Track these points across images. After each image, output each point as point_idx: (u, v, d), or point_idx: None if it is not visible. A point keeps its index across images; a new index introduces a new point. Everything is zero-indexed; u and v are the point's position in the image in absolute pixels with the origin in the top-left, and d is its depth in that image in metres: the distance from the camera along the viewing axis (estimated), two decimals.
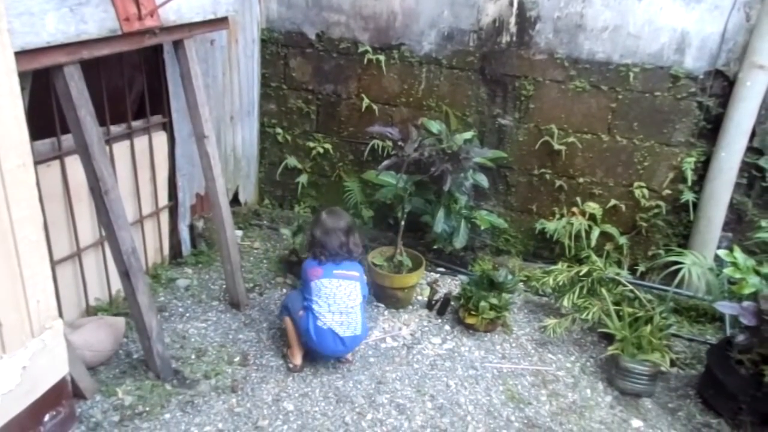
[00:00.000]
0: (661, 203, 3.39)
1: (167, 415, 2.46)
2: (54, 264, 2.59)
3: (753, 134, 3.11)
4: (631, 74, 3.23)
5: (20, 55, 1.86)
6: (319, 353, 2.77)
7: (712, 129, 3.20)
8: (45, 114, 2.45)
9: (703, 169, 3.26)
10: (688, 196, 3.29)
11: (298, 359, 2.81)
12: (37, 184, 1.92)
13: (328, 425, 2.50)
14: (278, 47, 3.82)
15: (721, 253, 2.82)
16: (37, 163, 2.27)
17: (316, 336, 2.68)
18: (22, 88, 1.84)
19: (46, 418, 2.16)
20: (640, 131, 3.33)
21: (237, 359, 2.82)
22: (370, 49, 3.62)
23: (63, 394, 2.21)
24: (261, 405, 2.57)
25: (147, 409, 2.47)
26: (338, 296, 2.69)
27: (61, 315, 2.23)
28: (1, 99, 1.71)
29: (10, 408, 1.96)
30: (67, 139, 2.51)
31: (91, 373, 2.57)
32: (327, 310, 2.68)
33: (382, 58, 3.62)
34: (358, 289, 2.76)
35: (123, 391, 2.54)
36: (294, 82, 3.88)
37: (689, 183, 3.29)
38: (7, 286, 1.86)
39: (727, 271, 2.73)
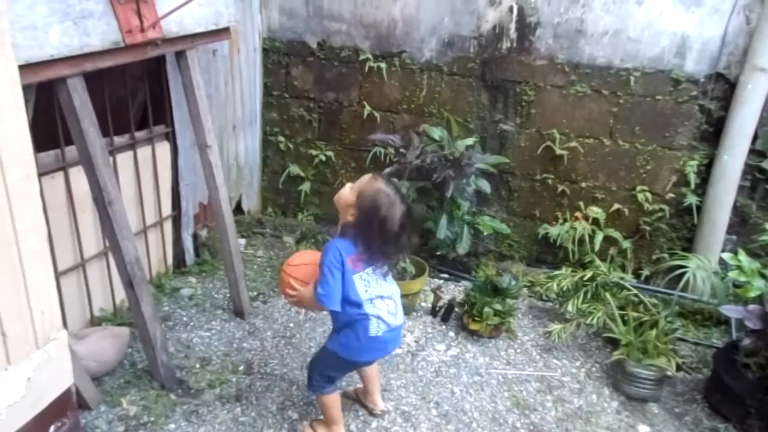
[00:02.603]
0: (665, 207, 3.38)
1: (172, 425, 2.45)
2: (58, 275, 2.60)
3: (755, 137, 3.10)
4: (632, 78, 3.24)
5: (24, 68, 1.88)
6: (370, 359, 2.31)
7: (714, 132, 3.20)
8: (49, 126, 2.47)
9: (707, 172, 3.26)
10: (692, 200, 3.28)
11: None
12: (42, 195, 1.93)
13: None
14: (280, 56, 3.84)
15: (726, 256, 2.80)
16: (41, 174, 2.26)
17: (380, 345, 2.13)
18: (26, 101, 1.85)
19: (51, 429, 2.16)
20: (642, 135, 3.33)
21: (241, 368, 2.82)
22: (371, 56, 3.64)
23: (68, 405, 2.21)
24: (266, 414, 2.56)
25: (152, 419, 2.47)
26: (383, 286, 2.13)
27: (65, 326, 2.23)
28: (5, 112, 1.72)
29: (16, 420, 1.96)
30: (71, 151, 2.52)
31: (96, 383, 2.57)
32: (387, 312, 2.08)
33: (383, 65, 3.63)
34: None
35: (128, 401, 2.54)
36: (296, 90, 3.90)
37: (692, 186, 3.28)
38: (12, 297, 1.86)
39: (732, 274, 2.71)
